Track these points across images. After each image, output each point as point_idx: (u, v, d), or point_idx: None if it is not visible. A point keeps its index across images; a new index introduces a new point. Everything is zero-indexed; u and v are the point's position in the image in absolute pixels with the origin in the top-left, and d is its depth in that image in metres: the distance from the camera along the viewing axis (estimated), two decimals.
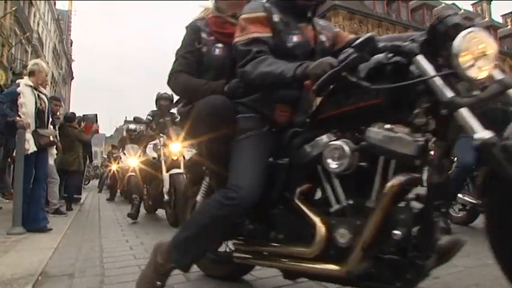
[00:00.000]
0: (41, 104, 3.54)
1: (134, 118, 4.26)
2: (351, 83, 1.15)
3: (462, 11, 31.42)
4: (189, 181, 2.07)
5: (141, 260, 2.37)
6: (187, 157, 5.41)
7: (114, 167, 8.52)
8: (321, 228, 1.24)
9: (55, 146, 3.82)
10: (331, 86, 1.26)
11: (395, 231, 1.08)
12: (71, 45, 48.71)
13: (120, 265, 2.25)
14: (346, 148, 1.19)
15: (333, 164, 1.22)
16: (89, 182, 15.70)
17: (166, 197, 3.90)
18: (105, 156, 14.82)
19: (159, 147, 4.24)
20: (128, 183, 6.95)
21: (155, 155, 4.27)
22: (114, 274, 2.05)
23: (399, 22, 26.21)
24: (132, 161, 7.22)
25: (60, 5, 39.58)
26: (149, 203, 4.75)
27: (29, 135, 3.34)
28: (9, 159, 6.09)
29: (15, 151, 3.45)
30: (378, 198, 1.14)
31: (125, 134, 8.63)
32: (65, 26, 42.89)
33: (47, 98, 3.68)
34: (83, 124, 6.40)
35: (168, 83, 1.67)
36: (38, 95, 3.54)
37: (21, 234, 3.14)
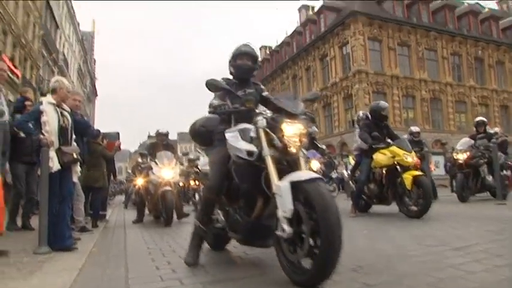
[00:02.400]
0: (63, 121, 3.52)
1: (207, 84, 2.49)
2: None
3: (486, 9, 30.46)
4: None
5: (168, 281, 2.24)
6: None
7: (140, 181, 7.03)
8: None
9: (79, 163, 3.77)
10: None
11: None
12: (94, 64, 50.60)
13: (146, 287, 2.13)
14: None
15: None
16: (114, 198, 15.90)
17: (286, 228, 1.91)
18: (130, 172, 14.66)
19: (252, 134, 2.30)
20: (163, 200, 5.62)
21: (245, 146, 2.28)
22: None
23: (420, 25, 25.65)
24: (166, 172, 5.77)
25: (84, 27, 41.26)
26: (233, 233, 2.59)
27: (52, 153, 3.31)
28: None
29: (39, 169, 3.43)
30: None
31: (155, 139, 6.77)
32: (89, 46, 44.61)
33: (69, 115, 3.66)
34: (105, 141, 6.42)
35: None
36: (61, 112, 3.52)
37: (47, 254, 3.08)
